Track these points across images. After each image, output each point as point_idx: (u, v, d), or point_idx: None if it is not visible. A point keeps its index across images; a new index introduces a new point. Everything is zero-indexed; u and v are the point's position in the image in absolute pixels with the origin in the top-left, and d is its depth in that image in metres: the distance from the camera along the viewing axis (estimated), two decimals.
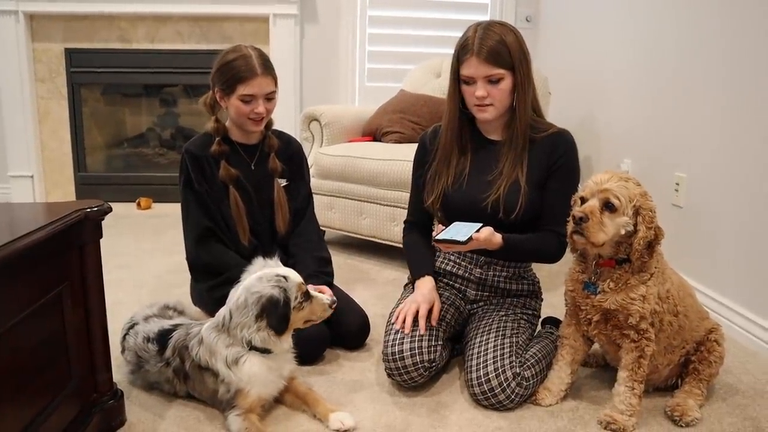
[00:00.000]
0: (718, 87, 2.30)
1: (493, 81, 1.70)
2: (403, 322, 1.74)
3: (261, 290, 1.53)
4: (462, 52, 1.71)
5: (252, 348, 1.56)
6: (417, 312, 1.75)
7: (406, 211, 2.03)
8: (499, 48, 1.68)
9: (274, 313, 1.52)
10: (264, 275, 1.57)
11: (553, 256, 1.83)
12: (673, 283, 1.60)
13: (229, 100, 1.94)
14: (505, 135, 1.81)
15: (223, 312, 1.59)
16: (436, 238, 1.66)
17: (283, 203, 2.08)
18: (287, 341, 1.61)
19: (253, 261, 1.66)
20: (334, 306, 1.65)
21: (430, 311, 1.77)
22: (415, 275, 1.88)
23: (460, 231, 1.66)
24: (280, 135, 2.14)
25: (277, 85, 1.98)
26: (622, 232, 1.49)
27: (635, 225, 1.49)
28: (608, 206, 1.48)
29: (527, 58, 1.74)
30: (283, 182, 2.11)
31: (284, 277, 1.57)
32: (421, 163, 1.93)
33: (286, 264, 2.11)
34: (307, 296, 1.60)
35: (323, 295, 1.66)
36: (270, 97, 1.96)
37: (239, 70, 1.90)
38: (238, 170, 2.01)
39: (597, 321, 1.61)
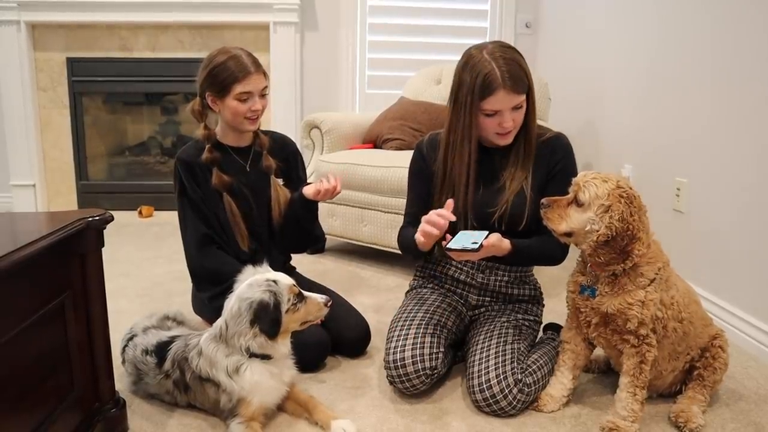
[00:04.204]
0: (719, 92, 2.30)
1: (517, 108, 1.70)
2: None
3: (252, 296, 1.53)
4: (486, 87, 1.65)
5: (252, 355, 1.56)
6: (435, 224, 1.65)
7: (403, 219, 2.02)
8: (520, 74, 1.66)
9: (265, 317, 1.52)
10: (254, 281, 1.57)
11: (556, 259, 1.83)
12: (679, 290, 1.60)
13: (224, 102, 1.93)
14: (510, 146, 1.80)
15: (219, 323, 1.59)
16: (446, 247, 1.66)
17: (282, 199, 2.07)
18: (285, 345, 1.61)
19: (243, 270, 1.65)
20: (329, 304, 1.65)
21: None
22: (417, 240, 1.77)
23: (470, 239, 1.66)
24: (272, 134, 2.15)
25: (268, 79, 1.99)
26: (587, 227, 1.52)
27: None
28: (577, 200, 1.53)
29: (530, 71, 1.73)
30: (280, 182, 2.10)
31: (274, 281, 1.57)
32: (418, 173, 1.92)
33: (284, 265, 2.12)
34: (300, 297, 1.60)
35: (317, 294, 1.65)
36: (264, 93, 1.97)
37: (232, 70, 1.89)
38: (234, 174, 2.01)
39: (596, 324, 1.61)
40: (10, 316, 1.17)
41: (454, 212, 1.78)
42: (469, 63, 1.69)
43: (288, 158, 2.14)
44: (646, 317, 1.52)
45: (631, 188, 1.52)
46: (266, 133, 2.12)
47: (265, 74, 1.97)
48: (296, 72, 4.16)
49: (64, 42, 4.10)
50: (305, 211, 2.03)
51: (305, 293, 1.63)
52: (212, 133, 2.01)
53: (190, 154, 1.99)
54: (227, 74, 1.90)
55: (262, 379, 1.56)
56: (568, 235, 1.57)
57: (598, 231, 1.50)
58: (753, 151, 2.12)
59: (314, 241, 2.17)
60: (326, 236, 3.05)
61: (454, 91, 1.75)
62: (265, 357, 1.57)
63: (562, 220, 1.56)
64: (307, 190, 1.99)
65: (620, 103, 3.11)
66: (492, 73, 1.64)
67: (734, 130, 2.22)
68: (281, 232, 2.09)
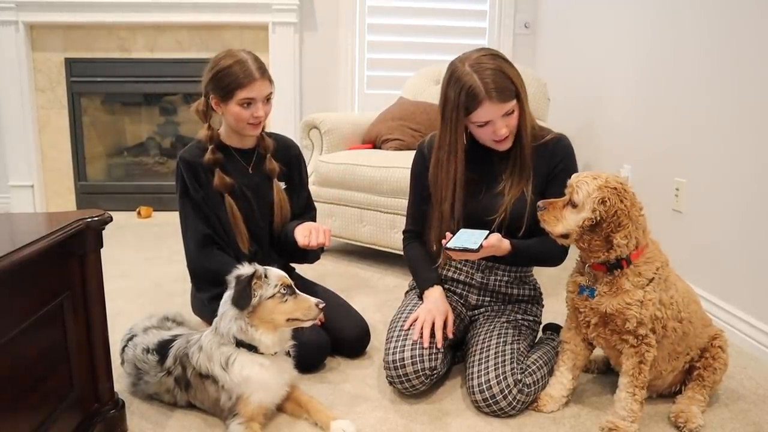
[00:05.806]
0: (718, 92, 2.31)
1: (508, 114, 1.69)
2: (421, 334, 1.73)
3: (237, 275, 1.57)
4: (471, 101, 1.64)
5: (239, 344, 1.56)
6: (434, 324, 1.75)
7: (405, 220, 2.02)
8: (505, 82, 1.64)
9: (237, 289, 1.54)
10: (250, 267, 1.60)
11: (555, 259, 1.84)
12: (678, 290, 1.60)
13: (227, 107, 1.92)
14: (509, 150, 1.80)
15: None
16: (446, 246, 1.66)
17: (284, 204, 2.07)
18: (269, 337, 1.57)
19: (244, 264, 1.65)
20: (321, 306, 1.60)
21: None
22: (422, 287, 1.88)
23: (470, 239, 1.67)
24: (276, 136, 2.14)
25: (273, 85, 1.98)
26: (580, 224, 1.53)
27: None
28: (572, 201, 1.54)
29: (520, 75, 1.71)
30: (282, 185, 2.10)
31: (265, 268, 1.59)
32: (420, 175, 1.91)
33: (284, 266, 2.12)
34: (290, 290, 1.59)
35: (311, 297, 1.63)
36: (268, 99, 1.96)
37: (237, 75, 1.88)
38: (236, 176, 2.00)
39: (595, 324, 1.61)
40: (9, 316, 1.17)
41: (445, 225, 1.79)
42: (452, 77, 1.69)
43: (291, 161, 2.14)
44: (645, 317, 1.52)
45: (622, 183, 1.52)
46: (270, 135, 2.12)
47: (270, 80, 1.95)
48: (295, 72, 4.16)
49: (63, 42, 4.10)
50: (297, 250, 2.01)
51: (299, 292, 1.62)
52: (215, 134, 2.00)
53: (193, 154, 1.98)
54: (231, 79, 1.88)
55: (253, 373, 1.55)
56: (565, 236, 1.57)
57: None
58: (752, 151, 2.12)
59: (311, 261, 2.16)
60: None
61: (441, 107, 1.75)
62: (252, 348, 1.57)
63: (558, 221, 1.56)
64: (298, 236, 1.95)
65: (619, 103, 3.11)
66: (475, 86, 1.63)
67: (733, 130, 2.22)
68: (278, 243, 2.09)
